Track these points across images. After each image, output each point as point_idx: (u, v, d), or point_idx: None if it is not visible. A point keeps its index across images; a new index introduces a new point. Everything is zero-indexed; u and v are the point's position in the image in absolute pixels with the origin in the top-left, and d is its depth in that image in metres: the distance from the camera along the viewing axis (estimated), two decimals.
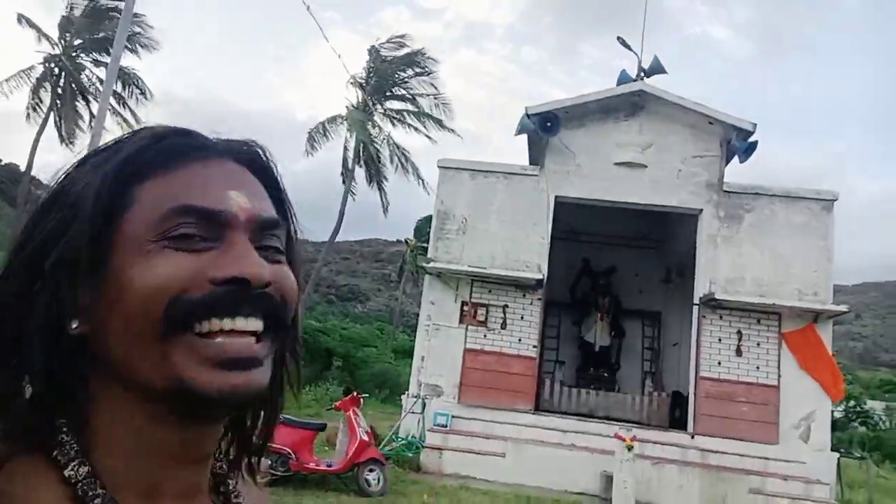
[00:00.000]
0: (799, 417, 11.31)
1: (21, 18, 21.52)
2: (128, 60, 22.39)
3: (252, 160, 0.60)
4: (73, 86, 22.08)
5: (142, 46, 22.07)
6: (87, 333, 0.52)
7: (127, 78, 22.45)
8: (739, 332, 11.77)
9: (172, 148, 0.55)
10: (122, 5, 20.88)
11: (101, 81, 21.90)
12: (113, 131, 22.38)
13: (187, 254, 0.52)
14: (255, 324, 0.53)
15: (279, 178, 0.61)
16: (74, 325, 0.52)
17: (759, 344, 11.72)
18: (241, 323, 0.52)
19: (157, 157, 0.54)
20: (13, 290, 0.52)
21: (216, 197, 0.53)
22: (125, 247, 0.52)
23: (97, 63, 22.50)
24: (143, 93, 22.74)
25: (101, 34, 21.72)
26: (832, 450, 11.38)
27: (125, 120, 22.78)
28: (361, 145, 21.21)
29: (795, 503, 9.98)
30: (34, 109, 22.21)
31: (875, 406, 27.88)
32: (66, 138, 21.93)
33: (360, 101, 20.92)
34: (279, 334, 0.55)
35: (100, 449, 0.52)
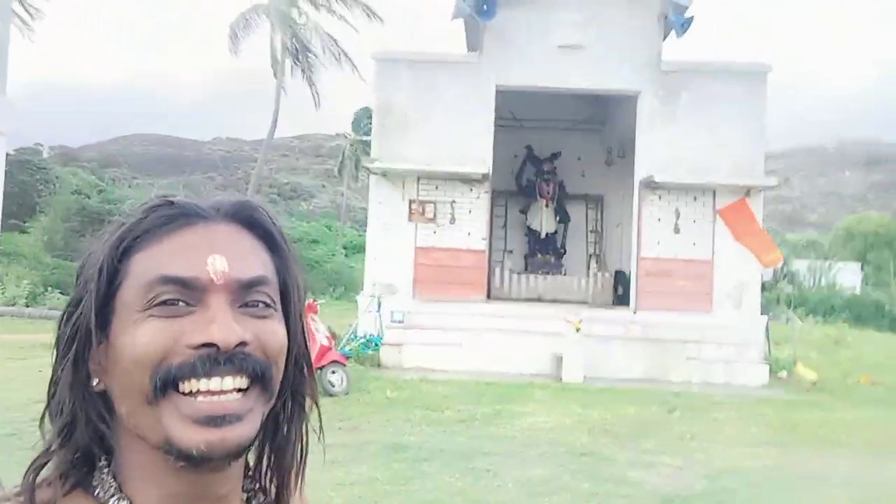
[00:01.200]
0: (731, 286, 12.08)
1: None
2: None
3: (247, 218, 0.64)
4: None
5: None
6: (107, 390, 0.60)
7: None
8: (677, 211, 12.23)
9: (161, 219, 0.60)
10: None
11: None
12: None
13: (169, 320, 0.57)
14: (238, 381, 0.58)
15: (274, 233, 0.65)
16: (95, 383, 0.60)
17: (695, 221, 12.24)
18: (216, 383, 0.57)
19: (147, 230, 0.60)
20: (57, 355, 0.61)
21: (194, 264, 0.59)
22: (120, 316, 0.59)
23: None
24: None
25: None
26: (761, 313, 12.31)
27: (21, 20, 20.80)
28: (288, 35, 20.05)
29: (729, 366, 10.89)
30: None
31: (800, 266, 29.84)
32: None
33: None
34: (267, 387, 0.60)
35: (131, 485, 0.60)
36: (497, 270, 13.59)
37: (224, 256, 0.60)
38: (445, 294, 11.88)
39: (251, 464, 0.68)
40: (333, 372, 8.46)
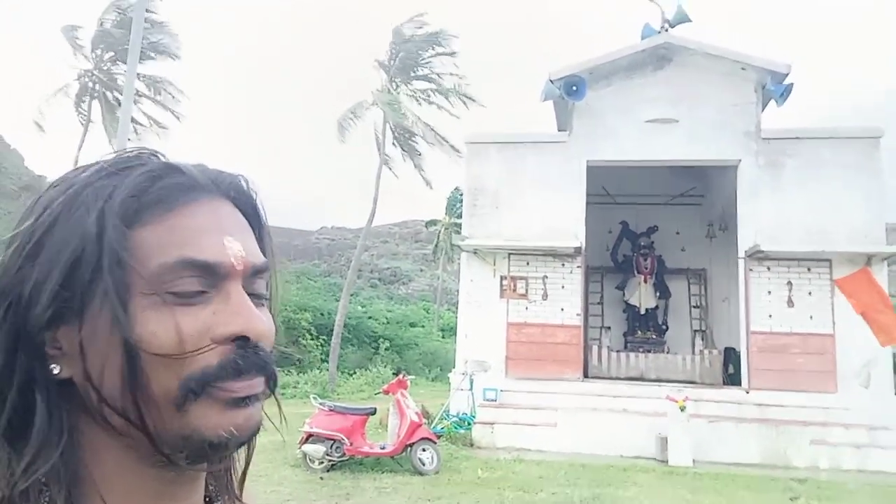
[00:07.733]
0: (858, 364, 10.96)
1: (64, 33, 22.16)
2: (157, 67, 22.90)
3: (237, 194, 0.57)
4: (113, 96, 22.64)
5: (168, 53, 22.43)
6: (74, 380, 0.50)
7: (157, 84, 22.90)
8: (789, 283, 11.44)
9: (168, 189, 0.52)
10: (154, 16, 21.37)
11: (137, 92, 22.49)
12: (145, 133, 23.00)
13: (186, 308, 0.50)
14: (258, 383, 0.52)
15: (262, 213, 0.59)
16: (57, 371, 0.49)
17: (810, 293, 11.37)
18: (247, 386, 0.51)
19: (154, 200, 0.51)
20: None
21: (213, 246, 0.51)
22: (121, 296, 0.49)
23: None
24: (172, 96, 23.17)
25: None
26: None
27: (158, 123, 23.35)
28: (391, 128, 21.14)
29: (860, 451, 9.72)
30: (88, 123, 22.95)
31: None
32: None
33: (385, 83, 20.81)
34: (270, 384, 0.54)
35: (91, 498, 0.50)
36: (594, 348, 13.09)
37: (236, 238, 0.53)
38: (539, 371, 11.53)
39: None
40: (424, 450, 8.28)
